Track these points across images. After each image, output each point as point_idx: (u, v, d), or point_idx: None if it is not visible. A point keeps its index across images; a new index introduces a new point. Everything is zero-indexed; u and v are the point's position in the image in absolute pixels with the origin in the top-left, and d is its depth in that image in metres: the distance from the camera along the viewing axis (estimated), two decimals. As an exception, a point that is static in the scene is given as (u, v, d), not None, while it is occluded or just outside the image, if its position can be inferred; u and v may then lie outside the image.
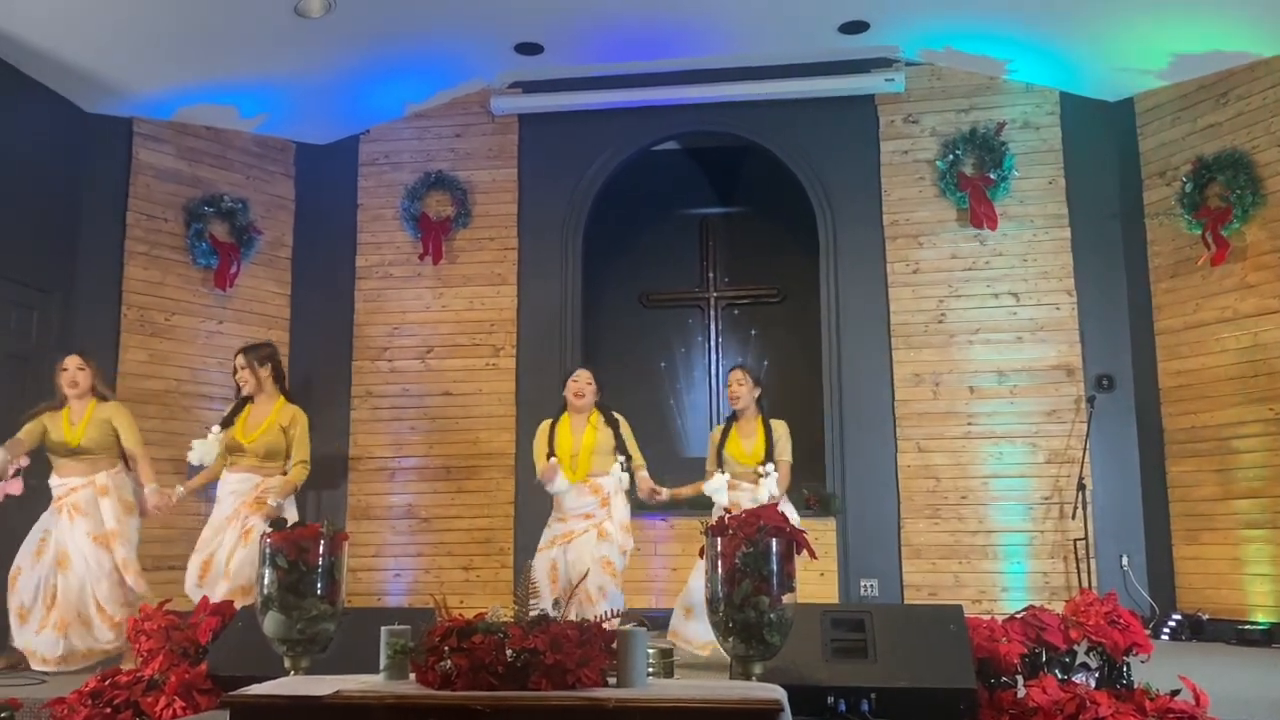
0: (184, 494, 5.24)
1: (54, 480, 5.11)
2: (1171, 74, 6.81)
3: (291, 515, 5.10)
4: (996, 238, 7.17)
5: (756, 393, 5.48)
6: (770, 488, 5.24)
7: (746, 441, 5.42)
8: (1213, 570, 6.48)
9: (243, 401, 5.25)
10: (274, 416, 5.14)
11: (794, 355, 8.08)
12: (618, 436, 5.35)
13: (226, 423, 5.20)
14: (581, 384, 5.40)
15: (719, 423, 5.77)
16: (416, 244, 7.69)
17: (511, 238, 7.67)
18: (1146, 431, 6.88)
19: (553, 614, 2.59)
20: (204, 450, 5.13)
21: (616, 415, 5.44)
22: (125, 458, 5.19)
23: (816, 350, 7.39)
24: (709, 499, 5.34)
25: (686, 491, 5.48)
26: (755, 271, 8.36)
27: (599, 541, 5.19)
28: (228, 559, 4.94)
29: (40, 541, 5.03)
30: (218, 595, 4.87)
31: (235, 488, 5.08)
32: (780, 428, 5.48)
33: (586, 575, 4.93)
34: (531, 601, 2.64)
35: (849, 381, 7.20)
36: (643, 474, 5.37)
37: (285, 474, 5.14)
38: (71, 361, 5.17)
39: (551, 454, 5.29)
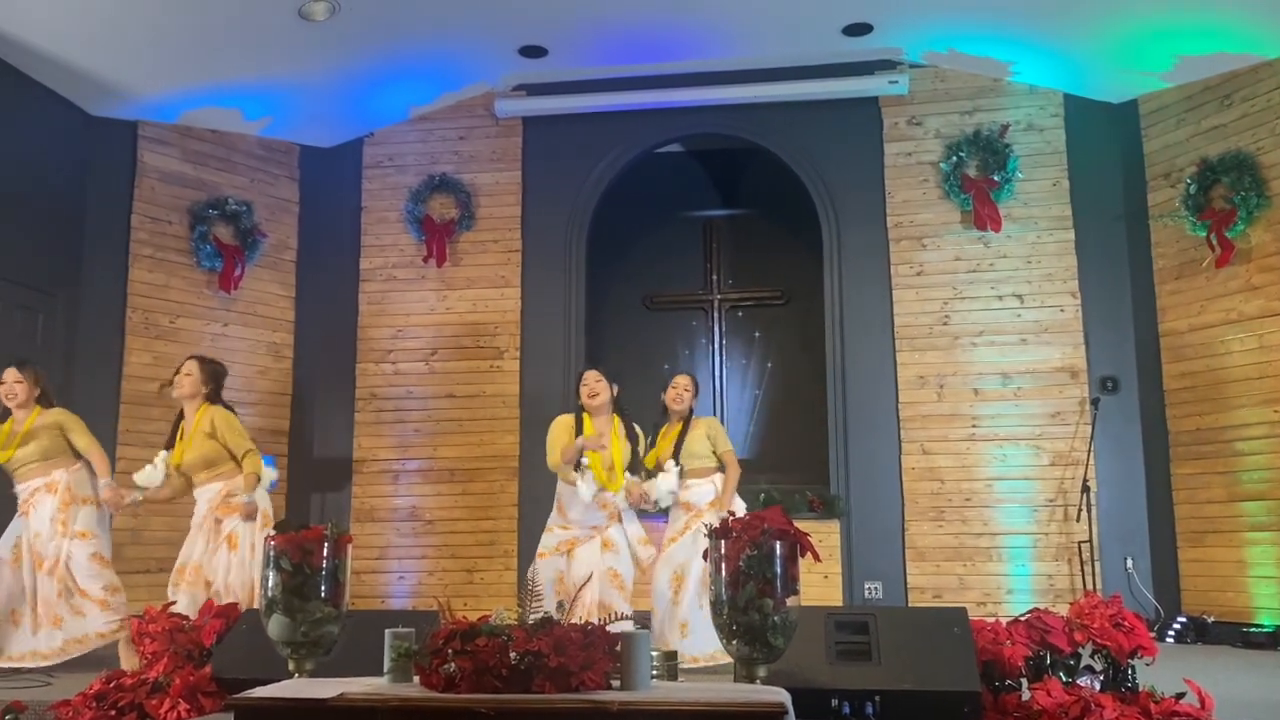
0: (140, 500, 5.21)
1: (17, 488, 5.14)
2: (1176, 76, 6.81)
3: (264, 503, 5.09)
4: (1000, 240, 7.17)
5: (694, 403, 5.45)
6: (661, 486, 5.10)
7: (662, 442, 5.38)
8: (1218, 573, 6.47)
9: (179, 419, 5.25)
10: (196, 427, 5.11)
11: (798, 357, 8.07)
12: (634, 454, 5.19)
13: (170, 443, 5.21)
14: (592, 384, 5.21)
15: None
16: (420, 246, 7.70)
17: (515, 240, 7.67)
18: (1151, 434, 6.86)
19: (556, 616, 2.59)
20: (147, 476, 5.11)
21: (637, 429, 5.27)
22: (79, 460, 5.18)
23: (820, 352, 7.39)
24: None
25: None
26: (759, 274, 8.36)
27: (604, 552, 5.03)
28: (200, 567, 4.95)
29: (15, 547, 5.05)
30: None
31: (204, 497, 5.10)
32: (702, 424, 5.37)
33: (589, 578, 4.88)
34: (535, 604, 2.63)
35: (853, 384, 7.19)
36: (635, 479, 5.16)
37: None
38: (9, 374, 5.13)
39: (582, 458, 5.04)
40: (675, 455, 5.25)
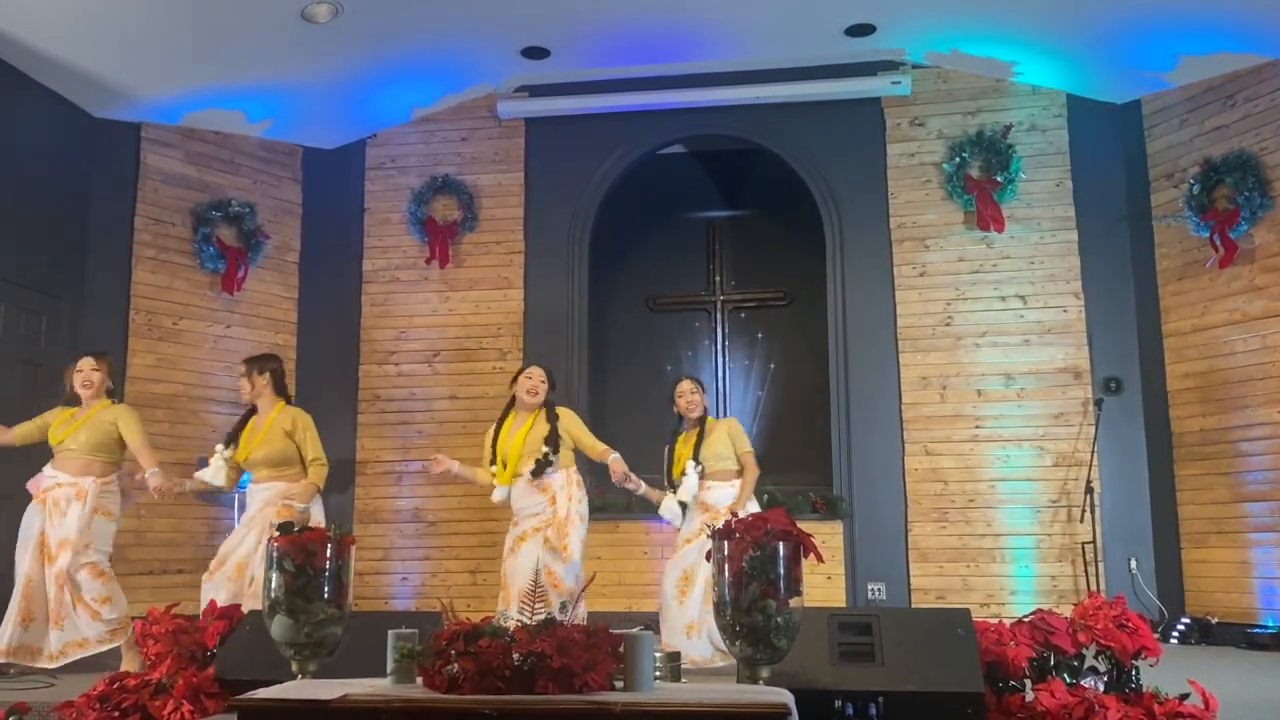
0: (188, 488, 5.26)
1: (46, 470, 5.12)
2: (1179, 76, 6.80)
3: (318, 516, 5.09)
4: (1003, 240, 7.16)
5: (705, 403, 5.44)
6: (686, 490, 5.18)
7: (682, 448, 5.36)
8: (1222, 574, 6.46)
9: (246, 415, 5.27)
10: (270, 423, 5.13)
11: (801, 358, 8.07)
12: (553, 434, 5.14)
13: (232, 438, 5.21)
14: (535, 381, 5.24)
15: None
16: (423, 248, 7.70)
17: (518, 241, 7.68)
18: (1155, 434, 6.86)
19: (560, 618, 2.59)
20: (210, 473, 5.17)
21: (558, 411, 5.25)
22: (117, 469, 5.17)
23: (823, 353, 7.39)
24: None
25: (655, 495, 5.32)
26: (762, 275, 8.36)
27: (544, 550, 4.99)
28: (245, 565, 4.94)
29: (37, 543, 5.02)
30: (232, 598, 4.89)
31: (261, 494, 5.10)
32: (722, 425, 5.38)
33: (583, 590, 4.87)
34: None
35: (856, 384, 7.19)
36: (615, 456, 5.11)
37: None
38: (86, 363, 5.19)
39: (494, 460, 5.21)
40: (695, 456, 5.24)
